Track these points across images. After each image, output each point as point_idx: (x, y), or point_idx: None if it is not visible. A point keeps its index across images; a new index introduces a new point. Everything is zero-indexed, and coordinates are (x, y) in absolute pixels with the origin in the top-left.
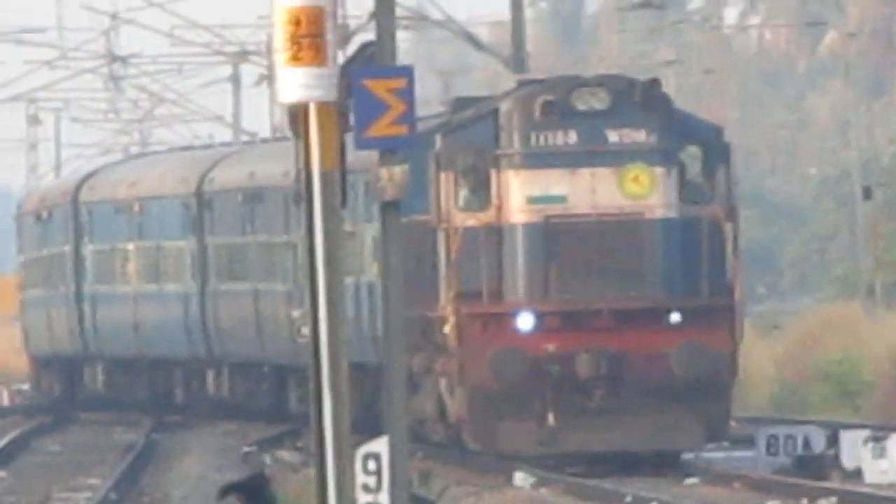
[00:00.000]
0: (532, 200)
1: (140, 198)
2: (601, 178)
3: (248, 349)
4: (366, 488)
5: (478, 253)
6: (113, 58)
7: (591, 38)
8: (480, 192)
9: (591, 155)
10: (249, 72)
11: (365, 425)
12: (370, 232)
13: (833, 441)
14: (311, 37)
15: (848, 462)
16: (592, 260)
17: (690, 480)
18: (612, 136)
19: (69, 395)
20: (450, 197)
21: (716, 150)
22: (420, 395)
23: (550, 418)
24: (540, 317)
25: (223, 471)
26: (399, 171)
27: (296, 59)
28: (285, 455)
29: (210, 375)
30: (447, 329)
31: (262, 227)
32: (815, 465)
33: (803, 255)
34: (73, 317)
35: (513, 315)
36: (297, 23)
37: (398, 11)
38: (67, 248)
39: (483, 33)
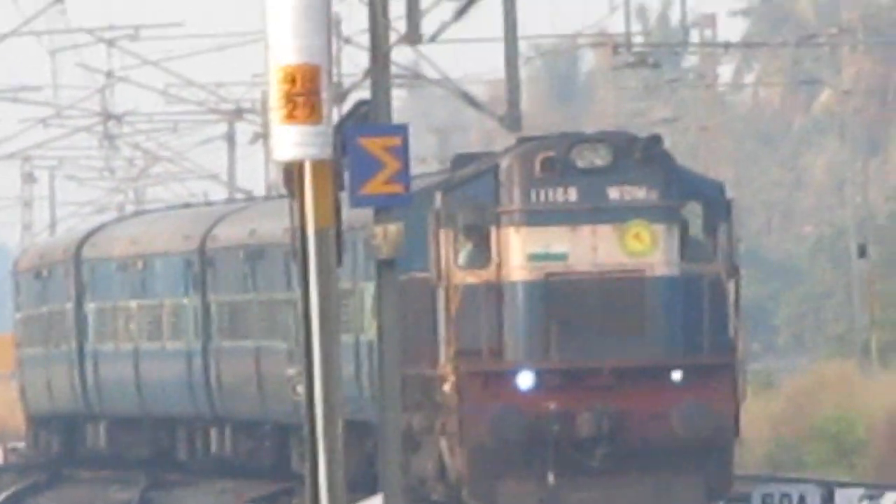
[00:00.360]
0: (532, 258)
1: (142, 255)
2: (602, 236)
3: (249, 407)
4: None
5: (478, 311)
6: (108, 116)
7: (586, 97)
8: (480, 249)
9: (592, 212)
10: (244, 130)
11: (365, 484)
12: (370, 289)
13: (828, 499)
14: (305, 95)
15: None
16: (593, 318)
17: None
18: (613, 193)
19: (69, 453)
20: (449, 254)
21: (717, 207)
22: (420, 454)
23: (551, 477)
24: (540, 375)
25: None
26: (394, 228)
27: (291, 116)
28: None
29: (213, 433)
30: (447, 387)
31: (264, 285)
32: None
33: (799, 313)
34: (75, 374)
35: (513, 373)
36: (293, 81)
37: (393, 69)
38: (69, 306)
39: (479, 91)
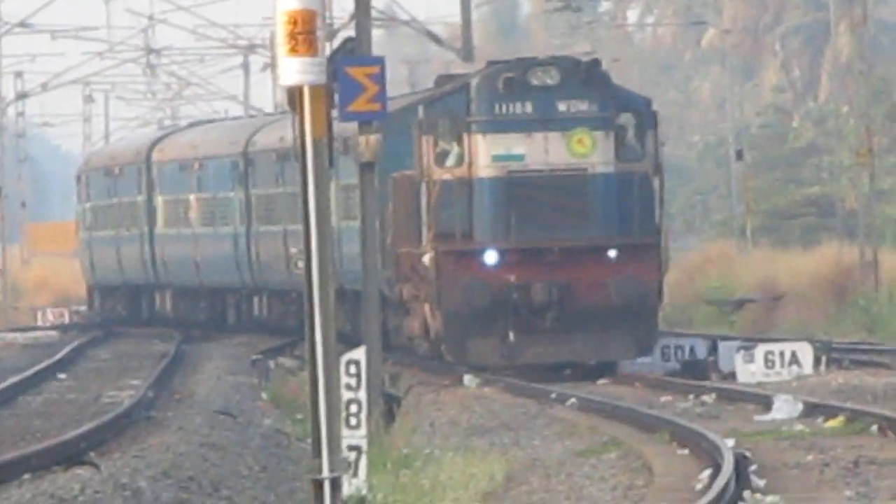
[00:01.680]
0: (496, 158)
1: (199, 158)
2: (552, 141)
3: (280, 278)
4: (348, 387)
5: (452, 201)
6: (150, 50)
7: (524, 34)
8: (455, 151)
9: (544, 122)
10: (256, 61)
11: (358, 338)
12: None
13: (713, 350)
14: (305, 33)
15: (724, 366)
16: (545, 207)
17: (602, 381)
18: (561, 107)
19: (134, 316)
20: (430, 156)
21: (646, 117)
22: (410, 317)
23: (511, 336)
24: (503, 253)
25: (236, 374)
26: (374, 138)
27: (294, 50)
28: (285, 361)
29: (255, 300)
30: (427, 262)
31: (290, 181)
32: (699, 369)
33: (689, 204)
34: (146, 253)
35: (480, 252)
36: (294, 22)
37: (372, 13)
38: (140, 199)
39: (440, 30)
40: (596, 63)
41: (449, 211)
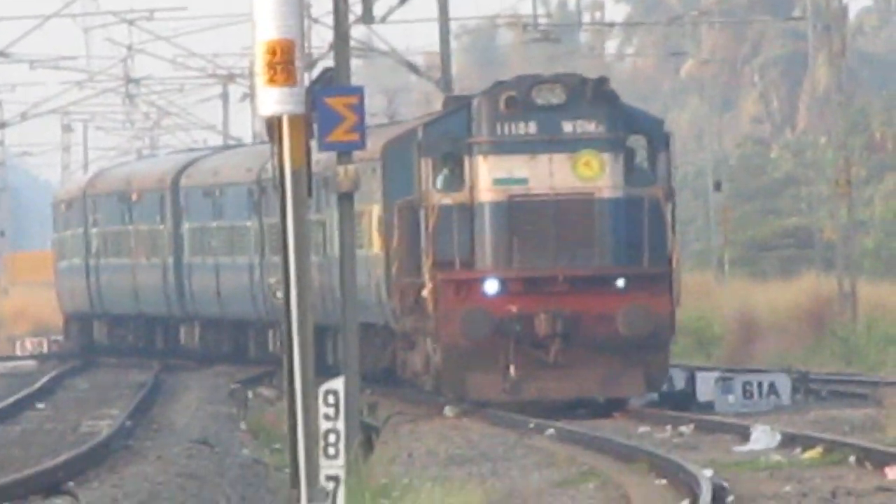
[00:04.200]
0: (498, 182)
1: (219, 184)
2: (557, 163)
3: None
4: (326, 417)
5: (452, 227)
6: (129, 80)
7: (502, 65)
8: (455, 174)
9: (549, 143)
10: (235, 91)
11: (374, 377)
12: (376, 211)
13: (691, 381)
14: (283, 63)
15: (702, 397)
16: (550, 233)
17: (581, 411)
18: (567, 127)
19: (169, 348)
20: (429, 179)
21: (658, 139)
22: (413, 352)
23: (512, 370)
24: (504, 282)
25: (215, 404)
26: (352, 168)
27: (272, 81)
28: (263, 391)
29: (269, 334)
30: (425, 293)
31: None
32: (677, 400)
33: None
34: (170, 282)
35: (481, 281)
36: (273, 52)
37: (351, 43)
38: (163, 227)
39: (419, 61)
40: (604, 81)
41: (448, 238)
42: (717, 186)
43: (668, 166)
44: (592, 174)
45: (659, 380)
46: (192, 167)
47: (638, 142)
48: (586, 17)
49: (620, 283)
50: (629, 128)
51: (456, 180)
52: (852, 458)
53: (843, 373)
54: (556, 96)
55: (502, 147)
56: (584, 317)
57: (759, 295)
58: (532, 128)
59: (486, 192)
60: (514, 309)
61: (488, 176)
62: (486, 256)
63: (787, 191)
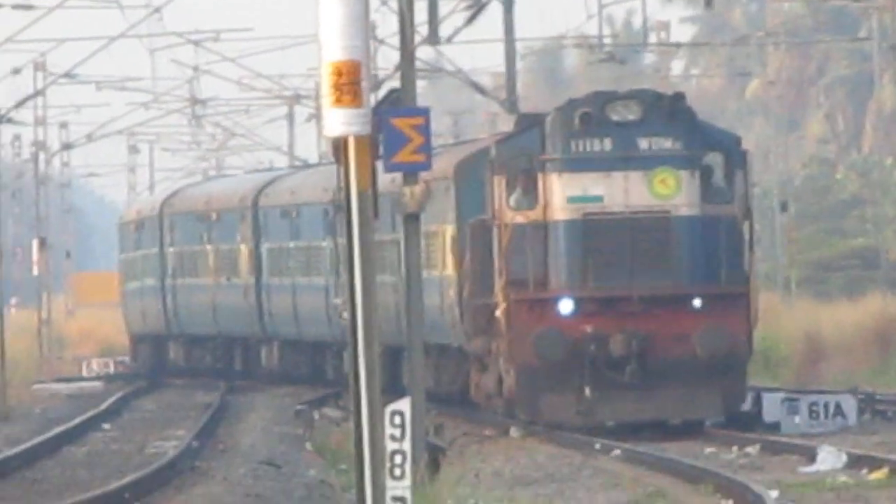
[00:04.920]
0: (572, 200)
1: (296, 204)
2: (633, 181)
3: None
4: (393, 438)
5: (525, 246)
6: (195, 101)
7: (568, 85)
8: (528, 192)
9: (624, 160)
10: (301, 112)
11: (448, 400)
12: (450, 231)
13: (757, 401)
14: (349, 84)
15: (769, 417)
16: (625, 252)
17: (646, 432)
18: (643, 144)
19: (247, 369)
20: (502, 197)
21: (735, 156)
22: (486, 374)
23: (587, 392)
24: (579, 302)
25: (281, 424)
26: (418, 189)
27: (338, 101)
28: (329, 412)
29: (344, 355)
30: (498, 313)
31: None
32: (744, 420)
33: None
34: (251, 302)
35: (555, 300)
36: (339, 74)
37: (417, 64)
38: (244, 247)
39: (484, 81)
40: (680, 97)
41: (521, 257)
42: (784, 207)
43: (745, 184)
44: (668, 192)
45: (736, 401)
46: (270, 187)
47: (714, 159)
48: (652, 38)
49: (697, 302)
50: (706, 145)
51: (529, 198)
52: None
53: None
54: (631, 112)
55: (577, 164)
56: (659, 337)
57: (825, 315)
58: (607, 145)
59: (560, 211)
60: (588, 329)
61: (562, 194)
62: (560, 276)
63: (852, 211)
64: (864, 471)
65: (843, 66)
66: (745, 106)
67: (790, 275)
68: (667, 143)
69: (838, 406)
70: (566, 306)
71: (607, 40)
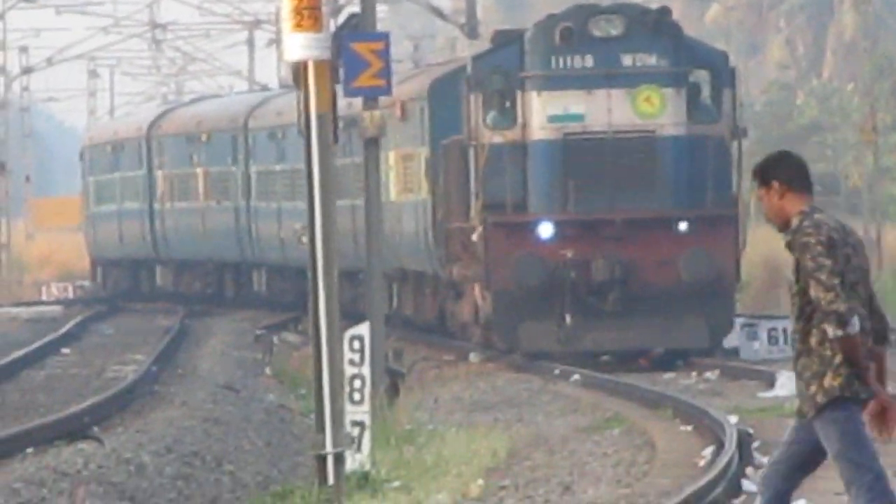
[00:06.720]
0: (553, 119)
1: (283, 125)
2: (616, 99)
3: (275, 255)
4: (352, 363)
5: (503, 167)
6: (155, 25)
7: (529, 11)
8: (506, 111)
9: (607, 77)
10: (261, 37)
11: (425, 325)
12: (423, 154)
13: None
14: (310, 9)
15: (727, 343)
16: (607, 174)
17: (605, 358)
18: (626, 60)
19: (227, 290)
20: (479, 117)
21: (723, 74)
22: (461, 301)
23: (568, 320)
24: (559, 226)
25: (240, 349)
26: (378, 114)
27: (298, 26)
28: (289, 336)
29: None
30: (475, 237)
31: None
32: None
33: None
34: (242, 224)
35: (534, 224)
36: None
37: None
38: (234, 169)
39: (445, 5)
40: (666, 11)
41: (499, 178)
42: (743, 133)
43: (733, 103)
44: (653, 110)
45: (723, 330)
46: (260, 108)
47: (701, 77)
48: None
49: (683, 226)
50: (692, 62)
51: (507, 117)
52: None
53: None
54: (614, 27)
55: (557, 82)
56: (643, 262)
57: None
58: (589, 61)
59: (539, 130)
60: (569, 254)
61: (542, 112)
62: (540, 198)
63: (812, 137)
64: None
65: None
66: (704, 31)
67: (750, 201)
68: (651, 60)
69: None
70: (546, 230)
71: None
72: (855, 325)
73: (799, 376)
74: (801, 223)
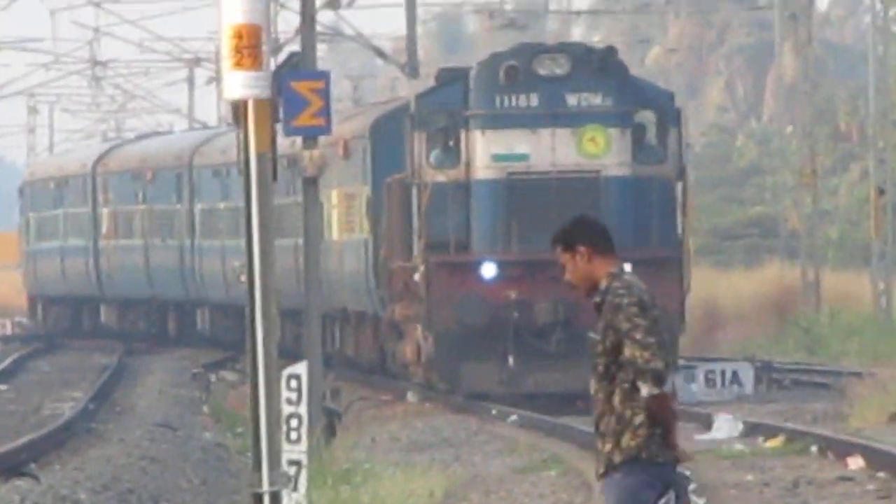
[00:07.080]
0: (497, 158)
1: (227, 164)
2: (560, 138)
3: (219, 293)
4: (289, 401)
5: (446, 207)
6: (95, 62)
7: (469, 52)
8: (450, 150)
9: (551, 116)
10: (201, 75)
11: (367, 366)
12: (366, 192)
13: None
14: (250, 48)
15: None
16: (551, 214)
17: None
18: (571, 100)
19: (176, 329)
20: (422, 155)
21: (668, 114)
22: (403, 341)
23: (511, 361)
24: (502, 266)
25: (178, 387)
26: (317, 153)
27: (238, 64)
28: (227, 375)
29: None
30: (417, 277)
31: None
32: None
33: None
34: (186, 263)
35: (477, 264)
36: (240, 36)
37: (317, 28)
38: (179, 207)
39: (386, 45)
40: (612, 51)
41: (442, 218)
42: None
43: (679, 144)
44: (598, 151)
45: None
46: (205, 146)
47: (647, 117)
48: (553, 5)
49: (627, 267)
50: (638, 101)
51: (451, 156)
52: (814, 448)
53: (806, 362)
54: (559, 66)
55: (501, 121)
56: (587, 304)
57: (723, 284)
58: (533, 100)
59: (483, 170)
60: (512, 295)
61: (486, 151)
62: (483, 238)
63: (751, 180)
64: (761, 439)
65: (744, 34)
66: (645, 73)
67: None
68: (596, 100)
69: (735, 374)
70: (489, 270)
71: (508, 6)
72: (670, 383)
73: (601, 436)
74: (611, 284)
